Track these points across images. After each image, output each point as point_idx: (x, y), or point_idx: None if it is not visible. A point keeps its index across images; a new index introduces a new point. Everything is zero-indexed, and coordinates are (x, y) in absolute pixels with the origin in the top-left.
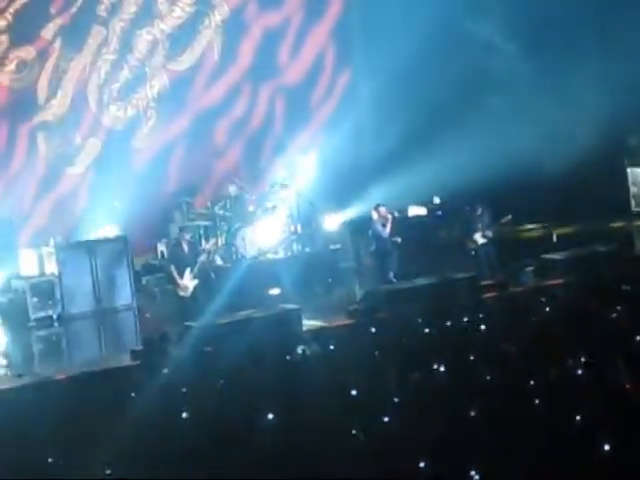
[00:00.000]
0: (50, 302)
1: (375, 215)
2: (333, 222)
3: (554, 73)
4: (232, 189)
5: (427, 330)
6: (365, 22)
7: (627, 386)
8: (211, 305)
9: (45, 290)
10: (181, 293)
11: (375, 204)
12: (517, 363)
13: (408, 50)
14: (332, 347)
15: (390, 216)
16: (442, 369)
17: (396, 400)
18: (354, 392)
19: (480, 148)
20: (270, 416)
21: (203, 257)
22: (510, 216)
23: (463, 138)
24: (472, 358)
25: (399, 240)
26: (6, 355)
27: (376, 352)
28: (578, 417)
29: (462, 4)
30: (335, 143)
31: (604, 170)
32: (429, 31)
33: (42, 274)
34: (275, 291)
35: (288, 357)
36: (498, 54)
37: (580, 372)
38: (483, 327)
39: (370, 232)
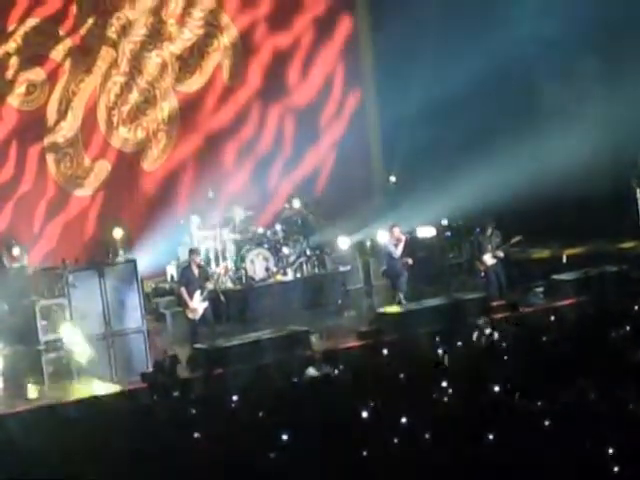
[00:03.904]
0: (60, 325)
1: (388, 236)
2: (344, 243)
3: (565, 96)
4: (238, 212)
5: (438, 351)
6: (375, 42)
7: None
8: (220, 327)
9: (55, 313)
10: (191, 315)
11: (389, 224)
12: (527, 384)
13: (418, 70)
14: (342, 369)
15: (403, 237)
16: (452, 390)
17: (407, 422)
18: (365, 414)
19: (490, 169)
20: (284, 437)
21: (212, 282)
22: (520, 237)
23: (473, 159)
24: (482, 379)
25: (410, 262)
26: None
27: (386, 373)
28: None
29: (473, 19)
30: (345, 164)
31: (614, 191)
32: (439, 51)
33: (52, 296)
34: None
35: (297, 379)
36: (515, 76)
37: (590, 394)
38: (493, 348)
39: (382, 253)
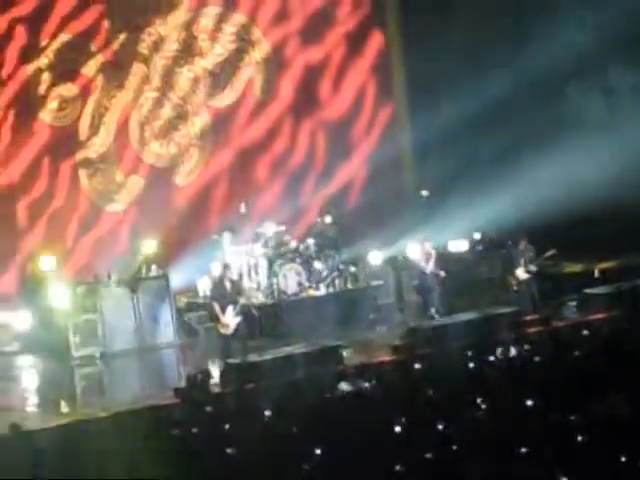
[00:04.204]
0: (92, 340)
1: (419, 250)
2: (376, 258)
3: (597, 108)
4: (270, 226)
5: (471, 365)
6: (406, 57)
7: None
8: (253, 342)
9: (88, 328)
10: (223, 330)
11: (420, 239)
12: (561, 398)
13: (449, 84)
14: (375, 383)
15: (434, 252)
16: (486, 405)
17: (440, 437)
18: (398, 428)
19: (521, 183)
20: (317, 451)
21: (245, 296)
22: (554, 250)
23: (504, 173)
24: (516, 394)
25: (443, 274)
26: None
27: (419, 388)
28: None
29: (503, 34)
30: (377, 178)
31: None
32: (470, 66)
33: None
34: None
35: (330, 394)
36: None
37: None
38: (526, 362)
39: (413, 267)
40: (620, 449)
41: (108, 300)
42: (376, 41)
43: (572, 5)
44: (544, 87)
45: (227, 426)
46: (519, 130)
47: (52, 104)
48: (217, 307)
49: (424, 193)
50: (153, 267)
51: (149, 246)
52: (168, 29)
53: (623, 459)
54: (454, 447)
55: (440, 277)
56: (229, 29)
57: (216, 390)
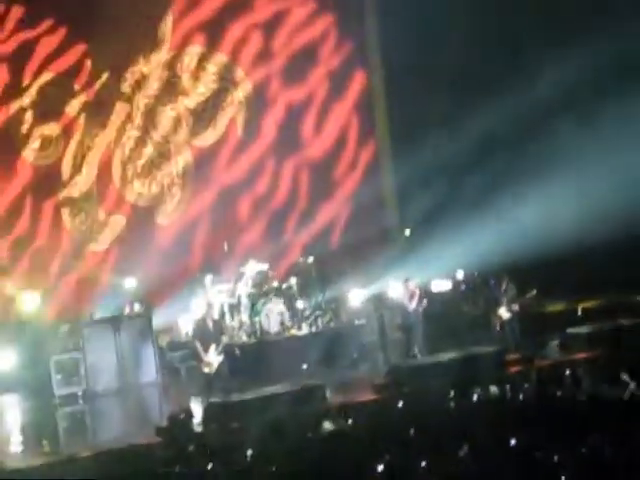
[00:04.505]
0: (75, 379)
1: (402, 289)
2: (357, 297)
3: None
4: (253, 265)
5: (454, 404)
6: (389, 96)
7: None
8: (235, 381)
9: (70, 367)
10: (206, 369)
11: (402, 278)
12: (544, 437)
13: (432, 124)
14: (357, 422)
15: (417, 291)
16: (469, 444)
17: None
18: (380, 468)
19: (503, 222)
20: None
21: (227, 336)
22: (535, 291)
23: (486, 212)
24: (498, 433)
25: (424, 305)
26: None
27: (402, 427)
28: None
29: (487, 74)
30: (359, 217)
31: (628, 242)
32: (453, 106)
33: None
34: (304, 366)
35: (313, 433)
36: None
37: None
38: (509, 401)
39: (397, 306)
40: None
41: (90, 339)
42: (359, 81)
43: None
44: (526, 126)
45: (209, 465)
46: (500, 169)
47: (35, 143)
48: (199, 346)
49: (407, 232)
50: (137, 305)
51: (129, 281)
52: (151, 68)
53: None
54: None
55: (420, 316)
56: (212, 68)
57: (198, 429)
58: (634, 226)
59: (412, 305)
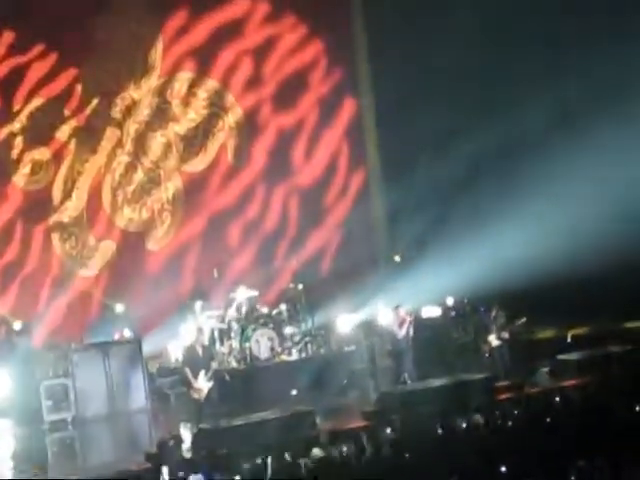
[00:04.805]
0: (64, 404)
1: (392, 316)
2: (346, 323)
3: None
4: (243, 292)
5: (441, 432)
6: (379, 122)
7: None
8: (225, 407)
9: (59, 392)
10: (195, 395)
11: (392, 304)
12: (534, 464)
13: (423, 150)
14: (347, 449)
15: (408, 318)
16: (458, 471)
17: None
18: None
19: (494, 249)
20: None
21: (217, 361)
22: (525, 319)
23: (477, 238)
24: (489, 460)
25: (412, 332)
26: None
27: (392, 455)
28: None
29: (473, 98)
30: (349, 243)
31: (619, 269)
32: (443, 133)
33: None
34: (293, 392)
35: (302, 460)
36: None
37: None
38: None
39: (386, 333)
40: None
41: (80, 365)
42: (349, 107)
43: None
44: (517, 151)
45: None
46: (491, 194)
47: (25, 168)
48: (189, 372)
49: (397, 258)
50: (126, 330)
51: (118, 307)
52: (141, 94)
53: None
54: None
55: (410, 343)
56: (202, 94)
57: (188, 455)
58: (624, 253)
59: (402, 332)
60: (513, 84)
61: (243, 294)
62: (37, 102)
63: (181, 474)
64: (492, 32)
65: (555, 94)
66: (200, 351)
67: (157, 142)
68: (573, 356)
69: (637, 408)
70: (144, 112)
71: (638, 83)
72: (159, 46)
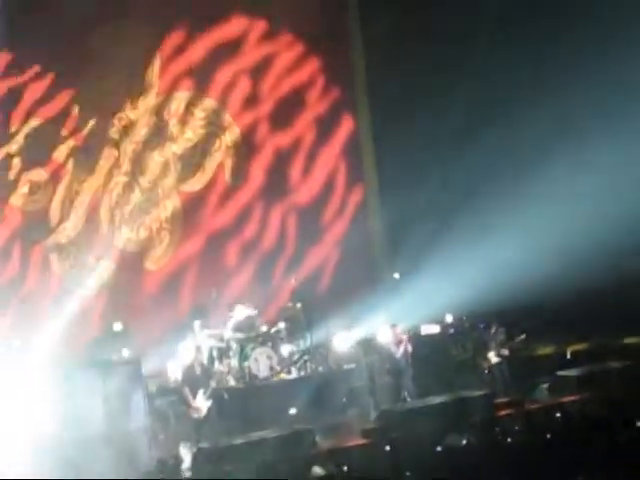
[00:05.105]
0: (64, 424)
1: (390, 335)
2: (345, 341)
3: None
4: (241, 310)
5: (440, 449)
6: (376, 140)
7: None
8: (225, 426)
9: (59, 412)
10: (195, 414)
11: (391, 323)
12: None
13: (421, 166)
14: (347, 467)
15: (405, 337)
16: None
17: None
18: None
19: (493, 265)
20: None
21: (215, 380)
22: (524, 335)
23: (476, 255)
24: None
25: (410, 351)
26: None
27: (392, 472)
28: None
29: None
30: (348, 261)
31: (618, 285)
32: (440, 149)
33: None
34: (293, 410)
35: (302, 478)
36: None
37: None
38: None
39: (385, 351)
40: None
41: (78, 384)
42: (346, 125)
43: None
44: (514, 169)
45: None
46: (489, 210)
47: (23, 189)
48: (188, 392)
49: (395, 276)
50: (125, 350)
51: (116, 325)
52: (138, 113)
53: None
54: None
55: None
56: (199, 114)
57: (187, 475)
58: (622, 268)
59: (400, 351)
60: (512, 101)
61: (242, 313)
62: (34, 123)
63: None
64: (495, 46)
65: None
66: (199, 370)
67: (155, 162)
68: (573, 372)
69: (637, 423)
70: (141, 132)
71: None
72: (156, 65)
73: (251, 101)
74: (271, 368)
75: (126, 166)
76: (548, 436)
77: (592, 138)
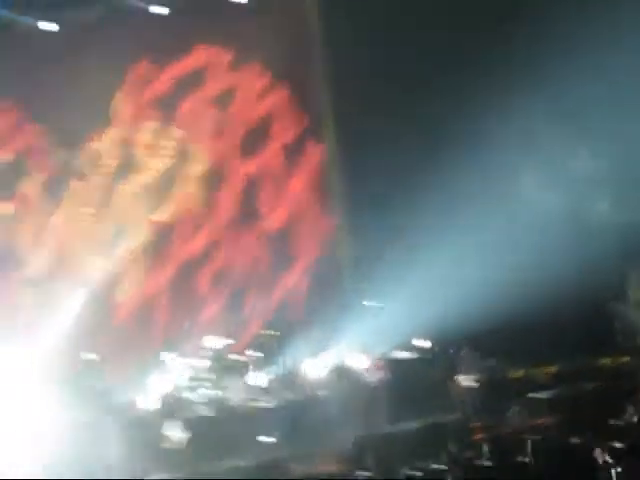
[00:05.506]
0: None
1: (362, 360)
2: (318, 368)
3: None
4: (213, 340)
5: (419, 473)
6: (345, 168)
7: None
8: (199, 455)
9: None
10: (168, 445)
11: (362, 348)
12: None
13: (390, 193)
14: None
15: (377, 362)
16: None
17: None
18: None
19: (462, 288)
20: None
21: (188, 411)
22: (495, 360)
23: (444, 281)
24: None
25: (381, 376)
26: None
27: None
28: None
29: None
30: (319, 288)
31: (588, 307)
32: (409, 172)
33: None
34: (267, 439)
35: None
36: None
37: None
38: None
39: (356, 377)
40: None
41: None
42: (314, 153)
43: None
44: (490, 188)
45: None
46: (462, 233)
47: None
48: (163, 422)
49: (365, 303)
50: (97, 382)
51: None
52: (105, 145)
53: None
54: None
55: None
56: (167, 144)
57: None
58: (592, 289)
59: (371, 376)
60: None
61: (213, 342)
62: (1, 157)
63: None
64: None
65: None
66: (172, 401)
67: (123, 193)
68: (544, 394)
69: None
70: (109, 163)
71: None
72: (122, 97)
73: (218, 131)
74: (245, 396)
75: (94, 198)
76: (521, 459)
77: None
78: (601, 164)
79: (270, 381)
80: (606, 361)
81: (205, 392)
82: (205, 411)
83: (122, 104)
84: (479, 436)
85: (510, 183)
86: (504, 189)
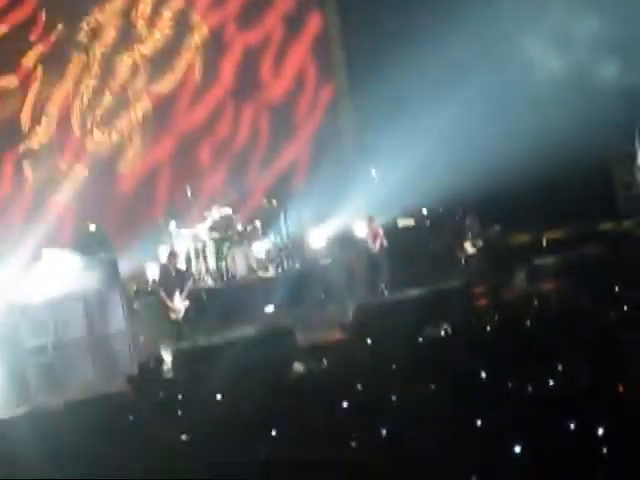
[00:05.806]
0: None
1: (366, 229)
2: (321, 237)
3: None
4: (216, 210)
5: (422, 339)
6: (345, 37)
7: (620, 389)
8: (204, 326)
9: (39, 318)
10: (172, 316)
11: (367, 217)
12: (513, 369)
13: (391, 62)
14: (327, 362)
15: (380, 231)
16: (438, 379)
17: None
18: (348, 404)
19: (467, 156)
20: (273, 433)
21: (192, 281)
22: (498, 227)
23: (448, 147)
24: (468, 367)
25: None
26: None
27: (371, 365)
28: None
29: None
30: (321, 157)
31: (589, 171)
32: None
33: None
34: (269, 308)
35: (283, 375)
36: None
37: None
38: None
39: (361, 245)
40: (572, 418)
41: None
42: (315, 22)
43: None
44: (494, 55)
45: (180, 412)
46: (467, 96)
47: None
48: (163, 293)
49: (373, 172)
50: (102, 254)
51: (91, 227)
52: (106, 16)
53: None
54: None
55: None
56: (167, 14)
57: (169, 376)
58: (592, 155)
59: (376, 245)
60: None
61: (217, 212)
62: (1, 30)
63: (162, 395)
64: None
65: None
66: (174, 272)
67: (124, 64)
68: (549, 259)
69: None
70: (109, 35)
71: None
72: None
73: (218, 0)
74: (248, 267)
75: (95, 69)
76: (527, 323)
77: None
78: (607, 27)
79: (273, 251)
80: (610, 226)
81: (209, 263)
82: (209, 282)
83: None
84: (484, 301)
85: (516, 49)
86: (509, 56)
